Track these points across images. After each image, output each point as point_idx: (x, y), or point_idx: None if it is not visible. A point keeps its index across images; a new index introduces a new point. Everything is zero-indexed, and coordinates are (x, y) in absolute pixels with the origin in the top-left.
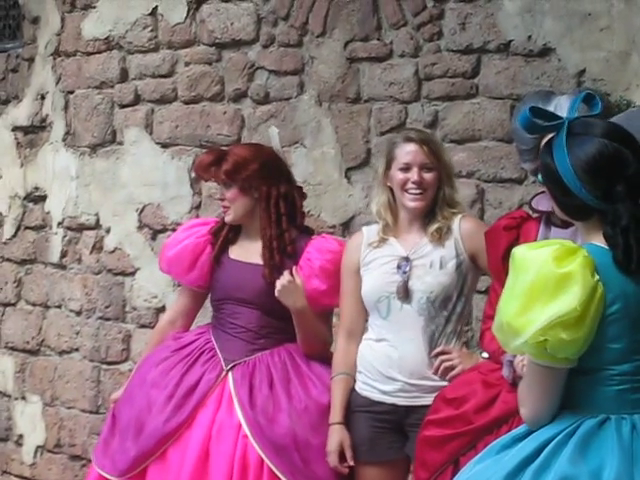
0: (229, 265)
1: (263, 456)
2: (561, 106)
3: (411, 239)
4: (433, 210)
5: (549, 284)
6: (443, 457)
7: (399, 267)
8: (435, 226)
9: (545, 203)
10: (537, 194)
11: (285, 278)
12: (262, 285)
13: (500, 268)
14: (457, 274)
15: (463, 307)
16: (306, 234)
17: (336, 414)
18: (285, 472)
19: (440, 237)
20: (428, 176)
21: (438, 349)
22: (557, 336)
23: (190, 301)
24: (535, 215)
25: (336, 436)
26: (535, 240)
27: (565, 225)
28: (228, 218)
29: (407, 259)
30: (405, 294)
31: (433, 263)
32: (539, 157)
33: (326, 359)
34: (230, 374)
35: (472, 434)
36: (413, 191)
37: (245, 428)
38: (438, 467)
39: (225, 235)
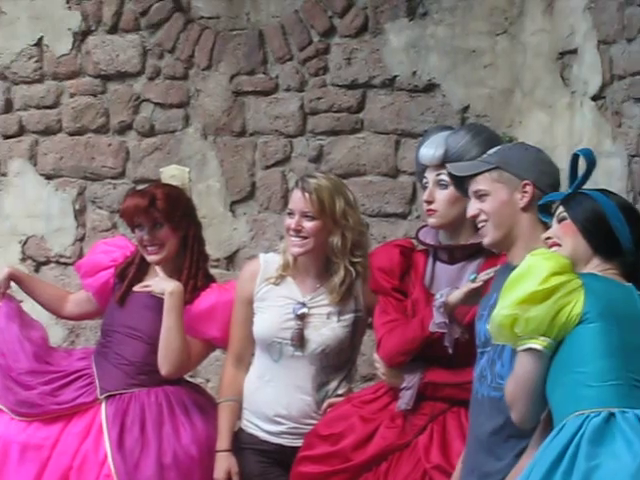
0: (133, 295)
1: None
2: (434, 142)
3: (309, 283)
4: (329, 259)
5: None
6: None
7: (295, 313)
8: (336, 281)
9: (431, 237)
10: (422, 227)
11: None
12: (161, 321)
13: (396, 285)
14: (353, 327)
15: (354, 353)
16: (208, 279)
17: (223, 441)
18: None
19: (340, 291)
20: (308, 225)
21: (326, 404)
22: (523, 314)
23: (83, 300)
24: (421, 247)
25: (224, 463)
26: (423, 272)
27: (452, 262)
28: (157, 258)
29: (304, 305)
30: (300, 343)
31: (330, 315)
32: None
33: (192, 394)
34: (104, 405)
35: (351, 471)
36: (293, 237)
37: (111, 466)
38: None
39: (133, 275)
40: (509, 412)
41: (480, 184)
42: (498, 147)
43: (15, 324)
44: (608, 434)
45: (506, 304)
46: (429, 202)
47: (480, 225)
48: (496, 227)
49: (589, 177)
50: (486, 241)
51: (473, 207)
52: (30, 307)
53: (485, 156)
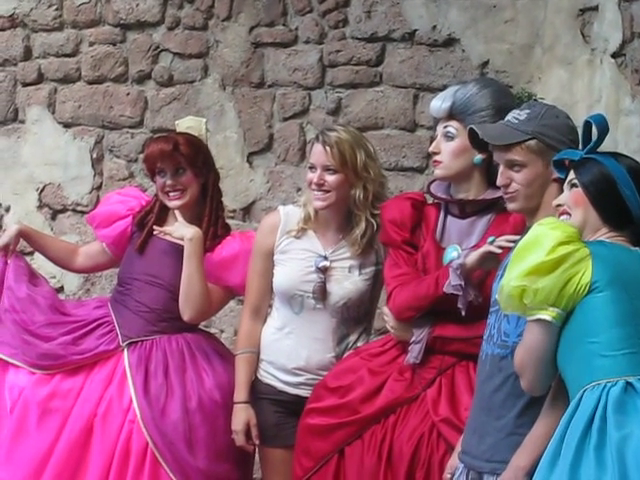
0: (152, 243)
1: (150, 442)
2: (443, 94)
3: (330, 236)
4: (351, 211)
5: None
6: (328, 446)
7: (316, 266)
8: (357, 233)
9: (442, 191)
10: (433, 180)
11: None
12: (181, 268)
13: (406, 238)
14: (373, 280)
15: (373, 306)
16: (227, 229)
17: (241, 393)
18: (169, 461)
19: (362, 244)
20: (331, 178)
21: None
22: (531, 285)
23: (96, 251)
24: (433, 201)
25: (242, 415)
26: (434, 226)
27: (463, 216)
28: (179, 203)
29: (325, 258)
30: (322, 296)
31: (352, 268)
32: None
33: (210, 341)
34: (126, 352)
35: (358, 424)
36: (315, 192)
37: (137, 411)
38: (323, 456)
39: (152, 223)
40: (509, 371)
41: (516, 154)
42: (528, 112)
43: (23, 282)
44: (630, 403)
45: (514, 275)
46: (435, 153)
47: (508, 195)
48: (527, 198)
49: (601, 143)
50: (513, 207)
51: (504, 176)
52: (44, 259)
53: (516, 122)
